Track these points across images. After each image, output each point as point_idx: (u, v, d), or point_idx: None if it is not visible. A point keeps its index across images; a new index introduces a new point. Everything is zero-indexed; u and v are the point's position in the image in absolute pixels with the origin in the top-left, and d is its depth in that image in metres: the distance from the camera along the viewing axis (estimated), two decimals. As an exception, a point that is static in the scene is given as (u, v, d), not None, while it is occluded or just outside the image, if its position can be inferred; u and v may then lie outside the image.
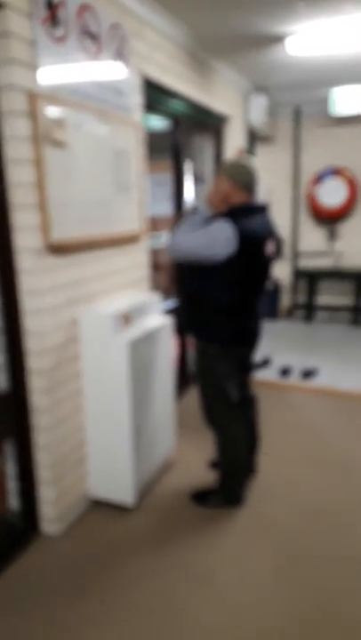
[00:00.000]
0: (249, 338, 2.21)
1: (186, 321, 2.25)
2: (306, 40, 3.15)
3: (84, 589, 1.85)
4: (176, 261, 2.24)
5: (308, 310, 5.86)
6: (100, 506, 2.34)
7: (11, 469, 2.15)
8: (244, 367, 2.29)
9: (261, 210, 2.16)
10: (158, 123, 3.47)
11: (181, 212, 3.48)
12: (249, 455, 2.37)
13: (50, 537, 2.14)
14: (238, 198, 2.09)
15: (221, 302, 2.10)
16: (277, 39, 3.18)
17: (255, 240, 2.04)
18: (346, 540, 2.09)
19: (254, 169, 2.11)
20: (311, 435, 3.05)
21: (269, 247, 2.13)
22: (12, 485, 2.17)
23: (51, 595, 1.83)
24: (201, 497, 2.36)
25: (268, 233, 2.13)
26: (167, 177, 3.56)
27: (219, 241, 1.97)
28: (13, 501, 2.18)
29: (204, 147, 4.21)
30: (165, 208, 3.60)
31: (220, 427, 2.25)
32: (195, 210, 2.24)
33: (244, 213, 2.06)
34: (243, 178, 2.09)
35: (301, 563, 1.97)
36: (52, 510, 2.14)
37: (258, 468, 2.54)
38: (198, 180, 4.00)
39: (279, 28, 3.02)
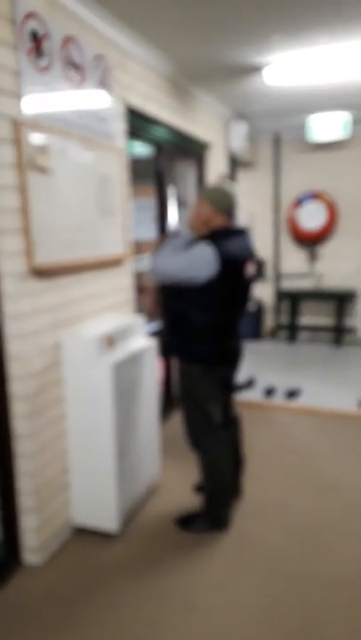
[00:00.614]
0: (230, 358, 2.23)
1: (169, 342, 2.26)
2: (282, 70, 3.27)
3: (67, 620, 1.80)
4: (158, 283, 2.26)
5: (291, 330, 5.92)
6: (83, 533, 2.29)
7: (-8, 497, 2.10)
8: (227, 387, 2.30)
9: (241, 233, 2.21)
10: (142, 149, 3.54)
11: (164, 234, 3.52)
12: (234, 477, 2.36)
13: (32, 567, 2.08)
14: (219, 222, 2.14)
15: (203, 323, 2.12)
16: (254, 69, 3.30)
17: (235, 262, 2.08)
18: (332, 560, 2.08)
19: (234, 194, 2.17)
20: (296, 455, 3.06)
21: (249, 269, 2.17)
22: (-7, 514, 2.12)
23: (33, 627, 1.77)
24: (186, 521, 2.34)
25: (248, 255, 2.18)
26: (150, 201, 3.62)
27: (200, 263, 2.01)
28: (-6, 531, 2.12)
29: (187, 172, 4.29)
30: (149, 232, 3.64)
31: (204, 448, 2.24)
32: (177, 233, 2.27)
33: (225, 236, 2.10)
34: (223, 202, 2.14)
35: (287, 584, 1.95)
36: (35, 539, 2.08)
37: (243, 489, 2.53)
38: (181, 204, 4.07)
39: (256, 59, 3.14)
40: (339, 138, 5.01)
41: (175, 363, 3.38)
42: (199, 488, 2.60)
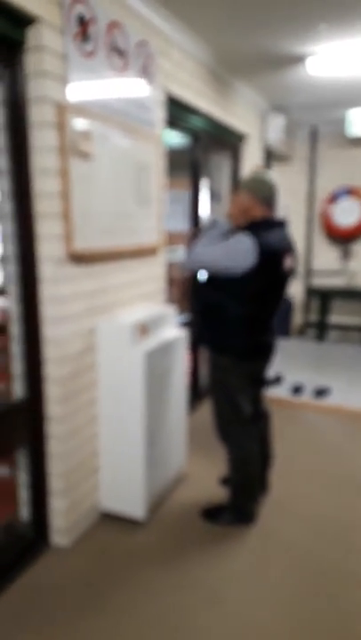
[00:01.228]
0: (263, 352, 2.20)
1: (200, 333, 2.25)
2: (326, 61, 3.19)
3: (94, 604, 1.82)
4: (191, 274, 2.24)
5: (321, 329, 5.83)
6: (109, 518, 2.31)
7: (22, 478, 2.13)
8: (258, 382, 2.27)
9: (280, 224, 2.17)
10: (175, 140, 3.52)
11: (200, 225, 3.50)
12: (261, 472, 2.33)
13: (59, 549, 2.11)
14: (258, 212, 2.10)
15: (237, 315, 2.09)
16: (298, 59, 3.23)
17: (274, 254, 2.04)
18: (359, 557, 2.04)
19: (275, 184, 2.12)
20: (324, 453, 3.01)
21: (288, 262, 2.13)
22: (23, 495, 2.15)
23: (60, 609, 1.80)
24: (212, 513, 2.33)
25: (287, 247, 2.13)
26: (183, 194, 3.58)
27: (238, 254, 1.98)
28: (24, 511, 2.16)
29: (222, 165, 4.25)
30: (180, 224, 3.62)
31: (233, 441, 2.22)
32: (214, 223, 2.24)
33: (264, 227, 2.06)
34: (263, 192, 2.10)
35: (316, 580, 1.93)
36: (63, 521, 2.11)
37: (270, 485, 2.50)
38: (215, 197, 4.03)
39: (300, 49, 3.07)
40: (379, 133, 4.88)
41: (204, 354, 3.36)
42: (225, 480, 2.58)
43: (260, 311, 2.12)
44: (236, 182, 4.33)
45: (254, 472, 2.24)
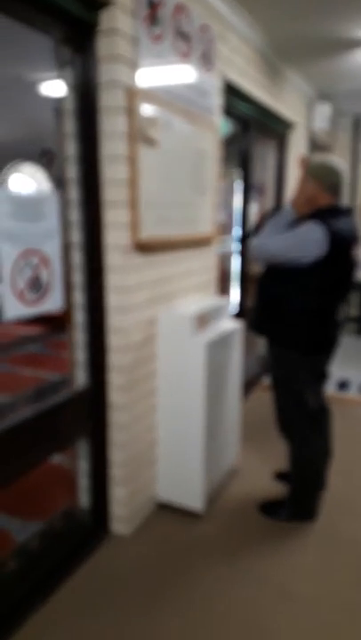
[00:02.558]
0: (329, 346, 2.14)
1: (262, 324, 2.19)
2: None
3: (158, 594, 1.81)
4: (259, 264, 2.19)
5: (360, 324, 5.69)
6: (167, 509, 2.29)
7: (82, 467, 2.14)
8: (322, 376, 2.21)
9: (347, 212, 2.10)
10: (224, 128, 3.45)
11: (265, 214, 3.45)
12: (325, 468, 2.28)
13: (120, 537, 2.11)
14: (325, 200, 2.03)
15: (303, 307, 2.03)
16: (354, 44, 3.13)
17: (344, 243, 1.97)
18: None
19: (343, 170, 2.04)
20: (378, 451, 2.93)
21: (356, 251, 2.06)
22: (83, 483, 2.16)
23: (124, 598, 1.79)
24: (270, 508, 2.29)
25: (355, 236, 2.06)
26: (222, 185, 3.51)
27: (309, 243, 1.92)
28: (83, 499, 2.17)
29: (267, 155, 4.17)
30: (220, 216, 3.55)
31: (298, 437, 2.17)
32: (279, 212, 2.18)
33: (332, 215, 2.00)
34: (330, 179, 2.02)
35: (384, 584, 1.87)
36: (123, 510, 2.11)
37: (328, 482, 2.44)
38: (256, 189, 3.95)
39: (358, 33, 2.96)
40: None
41: (251, 343, 3.30)
42: (280, 475, 2.54)
43: (328, 303, 2.06)
44: (280, 173, 4.25)
45: (318, 468, 2.19)
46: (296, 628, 1.67)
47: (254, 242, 2.09)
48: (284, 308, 2.06)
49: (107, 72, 1.77)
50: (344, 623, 1.68)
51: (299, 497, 2.23)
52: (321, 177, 2.03)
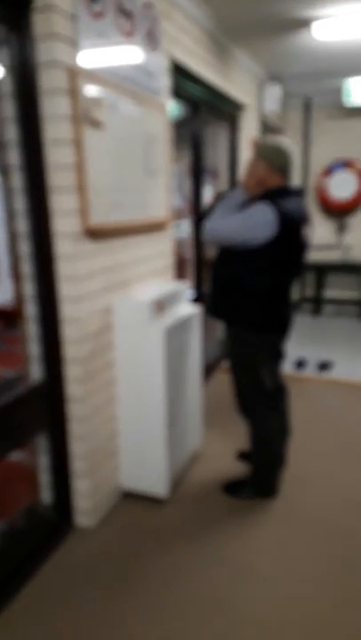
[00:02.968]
0: (283, 324, 2.17)
1: (217, 307, 2.19)
2: (334, 24, 3.09)
3: (126, 581, 1.81)
4: (211, 246, 2.18)
5: (316, 304, 5.84)
6: (131, 498, 2.29)
7: (43, 462, 2.09)
8: (278, 355, 2.24)
9: (297, 193, 2.12)
10: (173, 110, 3.40)
11: (216, 196, 3.43)
12: (283, 445, 2.33)
13: (85, 529, 2.09)
14: (274, 182, 2.04)
15: (257, 288, 2.04)
16: (303, 23, 3.13)
17: (294, 223, 2.00)
18: (385, 531, 2.07)
19: (291, 151, 2.06)
20: (335, 426, 3.03)
21: (305, 231, 2.08)
22: (44, 478, 2.12)
23: (92, 588, 1.78)
24: (233, 488, 2.33)
25: (305, 217, 2.09)
26: (175, 169, 3.48)
27: (259, 224, 1.92)
28: (45, 494, 2.13)
29: (218, 137, 4.15)
30: (175, 200, 3.53)
31: (256, 416, 2.21)
32: (229, 193, 2.17)
33: (281, 196, 2.01)
34: (279, 161, 2.03)
35: (345, 551, 1.94)
36: (87, 503, 2.09)
37: (287, 458, 2.50)
38: (210, 172, 3.94)
39: (306, 12, 2.96)
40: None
41: (209, 327, 3.31)
42: (243, 455, 2.59)
43: (281, 283, 2.08)
44: (233, 155, 4.24)
45: (277, 446, 2.24)
46: (258, 602, 1.71)
47: (206, 225, 2.08)
48: (239, 289, 2.07)
49: (45, 51, 1.69)
50: (304, 596, 1.74)
51: (259, 475, 2.27)
52: (271, 158, 2.03)
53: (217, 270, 2.18)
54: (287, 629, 1.60)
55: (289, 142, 2.10)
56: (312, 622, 1.62)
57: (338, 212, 5.69)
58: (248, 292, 2.06)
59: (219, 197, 3.47)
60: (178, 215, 3.61)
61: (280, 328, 2.16)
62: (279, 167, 2.03)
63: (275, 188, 2.04)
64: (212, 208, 2.23)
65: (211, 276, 2.23)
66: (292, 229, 1.98)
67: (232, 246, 2.02)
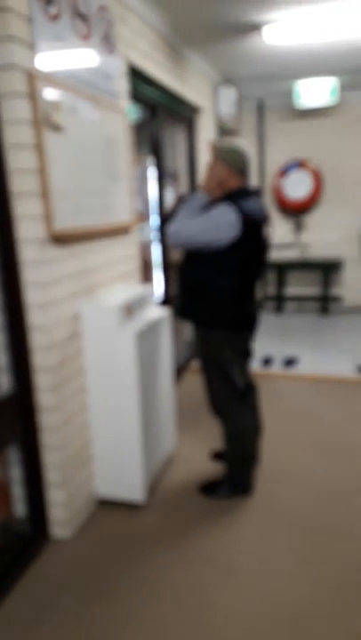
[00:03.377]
0: (250, 322, 2.20)
1: (186, 308, 2.21)
2: (283, 28, 3.18)
3: (106, 590, 1.78)
4: (177, 249, 2.19)
5: (279, 301, 5.96)
6: (108, 505, 2.26)
7: (15, 474, 2.04)
8: (246, 354, 2.28)
9: (256, 193, 2.16)
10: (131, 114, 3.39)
11: (178, 198, 3.43)
12: (256, 442, 2.36)
13: (62, 541, 2.04)
14: (234, 183, 2.08)
15: (224, 288, 2.07)
16: (254, 27, 3.19)
17: (256, 223, 2.03)
18: (359, 518, 2.13)
19: (248, 153, 2.10)
20: (305, 420, 3.10)
21: (266, 230, 2.13)
22: (17, 491, 2.06)
23: (72, 600, 1.74)
24: (209, 488, 2.34)
25: (265, 216, 2.13)
26: (136, 172, 3.48)
27: (222, 225, 1.95)
28: (19, 508, 2.07)
29: (176, 140, 4.17)
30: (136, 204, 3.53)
31: (228, 415, 2.23)
32: (190, 196, 2.19)
33: (241, 197, 2.05)
34: (238, 162, 2.07)
35: (320, 543, 1.99)
36: (63, 513, 2.04)
37: (260, 454, 2.54)
38: (169, 175, 3.95)
39: (257, 17, 3.03)
40: (326, 104, 4.97)
41: (178, 328, 3.31)
42: (218, 455, 2.60)
43: (246, 282, 2.12)
44: (192, 158, 4.27)
45: (250, 444, 2.26)
46: (241, 599, 1.72)
47: (170, 228, 2.09)
48: (206, 290, 2.09)
49: (2, 54, 1.65)
50: (286, 590, 1.77)
51: (234, 473, 2.29)
52: (230, 160, 2.07)
53: (184, 272, 2.19)
54: (271, 624, 1.62)
55: (246, 144, 2.15)
56: (297, 616, 1.65)
57: (294, 211, 5.84)
58: (216, 293, 2.08)
59: (180, 201, 3.49)
60: (141, 218, 3.61)
61: (248, 326, 2.19)
62: (238, 168, 2.07)
63: (235, 190, 2.07)
64: (174, 212, 2.24)
65: (178, 277, 2.24)
66: (254, 229, 2.02)
67: (197, 248, 2.03)
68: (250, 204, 2.04)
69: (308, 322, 5.51)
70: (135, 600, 1.73)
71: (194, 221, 2.04)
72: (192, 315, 2.20)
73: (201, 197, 2.14)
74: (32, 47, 1.73)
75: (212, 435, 2.82)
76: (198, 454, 2.70)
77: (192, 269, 2.13)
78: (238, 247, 1.98)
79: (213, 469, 2.52)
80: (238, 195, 2.05)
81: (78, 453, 2.12)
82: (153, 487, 2.38)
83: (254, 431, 2.29)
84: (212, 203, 2.09)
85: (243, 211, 1.97)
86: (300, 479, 2.44)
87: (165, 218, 3.51)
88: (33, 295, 1.84)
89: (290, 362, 4.08)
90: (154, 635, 1.59)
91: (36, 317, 1.86)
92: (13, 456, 2.00)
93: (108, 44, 2.31)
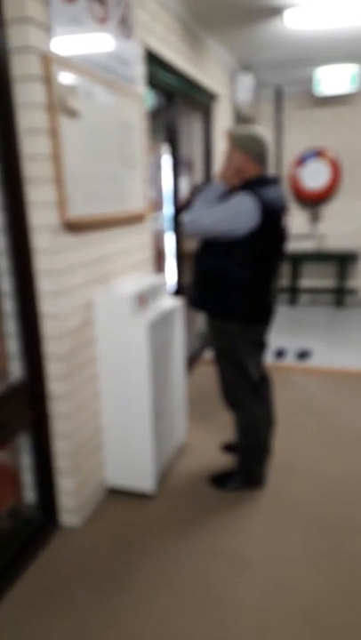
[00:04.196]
0: (267, 315, 2.17)
1: (200, 299, 2.17)
2: (306, 12, 3.09)
3: (116, 579, 1.79)
4: (194, 239, 2.15)
5: (293, 293, 5.90)
6: (118, 494, 2.26)
7: (25, 461, 2.04)
8: (261, 345, 2.24)
9: (275, 182, 2.11)
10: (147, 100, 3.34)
11: (195, 187, 3.40)
12: (269, 434, 2.34)
13: (71, 529, 2.05)
14: (252, 171, 2.03)
15: (241, 279, 2.03)
16: (275, 11, 3.11)
17: (275, 213, 1.99)
18: (370, 515, 2.11)
19: (266, 139, 2.05)
20: (317, 413, 3.07)
21: (286, 220, 2.08)
22: (27, 478, 2.07)
23: (81, 588, 1.75)
24: (220, 480, 2.33)
25: (285, 206, 2.08)
26: (151, 160, 3.44)
27: (241, 215, 1.91)
28: (29, 494, 2.08)
29: (192, 128, 4.11)
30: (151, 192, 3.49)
31: (242, 407, 2.20)
32: (208, 185, 2.15)
33: (261, 185, 2.00)
34: (255, 149, 2.02)
35: (331, 536, 1.97)
36: (72, 501, 2.05)
37: (272, 447, 2.52)
38: (184, 163, 3.90)
39: (279, 0, 2.94)
40: (347, 91, 4.85)
41: (192, 318, 3.28)
42: (229, 447, 2.59)
43: (264, 273, 2.07)
44: (208, 146, 4.21)
45: (263, 436, 2.24)
46: (252, 592, 1.71)
47: (187, 217, 2.05)
48: (223, 281, 2.05)
49: (17, 36, 1.62)
50: (296, 583, 1.76)
51: (246, 465, 2.28)
52: (247, 147, 2.02)
53: (199, 262, 2.15)
54: (282, 616, 1.61)
55: (264, 130, 2.09)
56: (306, 608, 1.64)
57: (311, 201, 5.75)
58: (233, 284, 2.04)
59: (197, 189, 3.44)
60: (155, 207, 3.58)
61: (264, 318, 2.16)
62: (256, 156, 2.02)
63: (253, 178, 2.02)
64: (190, 200, 2.21)
65: (193, 268, 2.20)
66: (273, 219, 1.98)
67: (215, 238, 2.00)
68: (269, 193, 1.99)
69: (323, 314, 5.44)
70: (145, 589, 1.74)
71: (212, 210, 2.00)
72: (207, 305, 2.16)
73: (218, 186, 2.10)
74: (48, 30, 1.69)
75: (222, 426, 2.80)
76: (209, 445, 2.69)
77: (208, 259, 2.10)
78: (256, 237, 1.94)
79: (224, 461, 2.51)
80: (257, 183, 2.00)
81: (89, 442, 2.12)
82: (163, 477, 2.38)
83: (267, 423, 2.26)
84: (230, 192, 2.05)
85: (262, 200, 1.92)
86: (311, 472, 2.42)
87: (181, 207, 3.47)
88: (45, 283, 1.83)
89: (303, 354, 4.03)
90: (163, 624, 1.59)
91: (48, 305, 1.85)
92: (24, 443, 2.01)
93: (125, 27, 2.26)
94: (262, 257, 2.02)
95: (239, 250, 1.97)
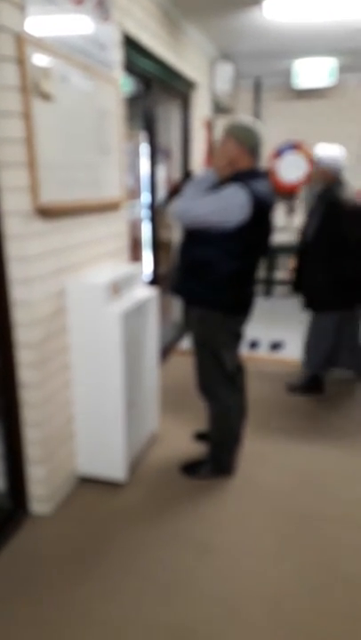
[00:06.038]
0: (248, 306, 2.19)
1: (183, 288, 2.16)
2: (284, 4, 3.08)
3: (85, 567, 1.80)
4: (181, 227, 2.14)
5: (268, 285, 5.95)
6: (89, 483, 2.26)
7: (-5, 450, 2.02)
8: (239, 336, 2.26)
9: (265, 176, 2.11)
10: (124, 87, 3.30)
11: (186, 177, 3.37)
12: (241, 424, 2.37)
13: (41, 517, 2.05)
14: (245, 163, 2.03)
15: (227, 270, 2.03)
16: (254, 1, 3.09)
17: (265, 206, 2.00)
18: (338, 503, 2.17)
19: (261, 132, 2.04)
20: (289, 403, 3.12)
21: (272, 214, 2.10)
22: (-3, 466, 2.05)
23: (51, 575, 1.76)
24: (191, 468, 2.35)
25: (273, 200, 2.09)
26: (128, 147, 3.40)
27: (233, 206, 1.91)
28: (-1, 483, 2.06)
29: (171, 116, 4.07)
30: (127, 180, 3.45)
31: (215, 396, 2.23)
32: (200, 174, 2.14)
33: (251, 178, 2.00)
34: (251, 142, 2.01)
35: (299, 524, 2.02)
36: (43, 489, 2.04)
37: (243, 436, 2.56)
38: (162, 151, 3.87)
39: (258, -9, 2.94)
40: (324, 85, 4.88)
41: (169, 309, 3.28)
42: (201, 436, 2.62)
43: (249, 265, 2.09)
44: (186, 135, 4.18)
45: (235, 425, 2.27)
46: (219, 579, 1.75)
47: (178, 205, 2.03)
48: (207, 271, 2.04)
49: (-11, 14, 1.57)
50: (262, 568, 1.80)
51: (217, 454, 2.31)
52: (243, 139, 2.01)
53: (184, 251, 2.13)
54: (247, 602, 1.65)
55: (259, 124, 2.08)
56: (270, 594, 1.68)
57: (288, 194, 5.79)
58: (219, 275, 2.04)
59: (187, 178, 3.42)
60: (131, 195, 3.54)
61: (245, 309, 2.18)
62: (250, 148, 2.02)
63: (245, 170, 2.02)
64: (174, 191, 2.19)
65: (179, 255, 2.18)
66: (263, 212, 1.99)
67: (203, 228, 1.99)
68: (260, 187, 1.99)
69: (296, 306, 5.49)
70: (113, 577, 1.75)
71: (204, 201, 1.98)
72: (190, 294, 2.15)
73: (210, 176, 2.08)
74: (22, 9, 1.65)
75: (195, 415, 2.83)
76: (181, 435, 2.71)
77: (194, 249, 2.08)
78: (245, 230, 1.94)
79: (196, 450, 2.54)
80: (248, 175, 2.00)
81: (60, 430, 2.11)
82: (135, 466, 2.39)
83: (239, 413, 2.30)
84: (221, 183, 2.03)
85: (254, 193, 1.92)
86: (281, 462, 2.47)
87: (170, 193, 3.45)
88: (16, 270, 1.80)
89: (276, 346, 4.09)
90: (130, 610, 1.61)
91: (18, 292, 1.83)
92: (-6, 431, 1.99)
93: (102, 10, 2.22)
94: (248, 249, 2.03)
95: (226, 241, 1.97)
